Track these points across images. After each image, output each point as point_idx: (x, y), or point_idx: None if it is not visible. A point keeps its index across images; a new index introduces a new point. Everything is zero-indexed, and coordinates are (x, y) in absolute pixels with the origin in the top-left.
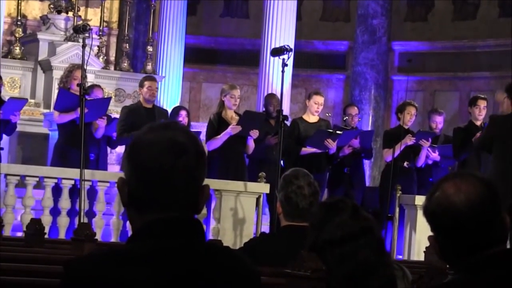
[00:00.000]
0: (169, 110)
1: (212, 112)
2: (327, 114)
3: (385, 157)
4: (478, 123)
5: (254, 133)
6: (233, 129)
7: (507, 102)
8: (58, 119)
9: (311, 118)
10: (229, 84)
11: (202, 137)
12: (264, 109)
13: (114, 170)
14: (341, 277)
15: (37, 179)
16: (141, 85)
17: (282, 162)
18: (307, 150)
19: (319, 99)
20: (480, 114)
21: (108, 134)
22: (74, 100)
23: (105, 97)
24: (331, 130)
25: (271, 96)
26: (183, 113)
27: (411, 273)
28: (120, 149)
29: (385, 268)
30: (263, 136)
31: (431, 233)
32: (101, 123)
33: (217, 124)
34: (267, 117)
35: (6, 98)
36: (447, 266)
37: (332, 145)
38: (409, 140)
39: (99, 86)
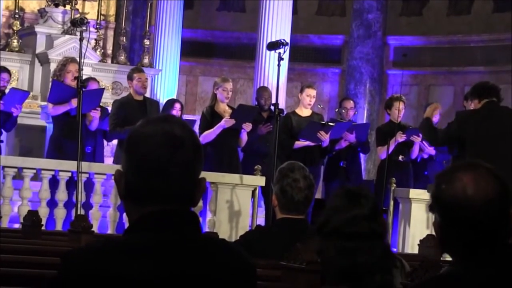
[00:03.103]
0: (163, 103)
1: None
2: (319, 106)
3: (379, 154)
4: None
5: (247, 126)
6: (226, 122)
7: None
8: (52, 111)
9: (304, 112)
10: (221, 77)
11: (196, 126)
12: (256, 102)
13: (111, 163)
14: (335, 269)
15: (34, 171)
16: (130, 78)
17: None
18: (301, 143)
19: (311, 91)
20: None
21: (103, 128)
22: (68, 92)
23: (99, 87)
24: (323, 122)
25: (262, 89)
26: (177, 106)
27: None
28: (116, 141)
29: (383, 275)
30: (254, 126)
31: (425, 227)
32: (95, 114)
33: (210, 117)
34: (259, 110)
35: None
36: (441, 258)
37: (324, 137)
38: (400, 138)
39: (94, 79)
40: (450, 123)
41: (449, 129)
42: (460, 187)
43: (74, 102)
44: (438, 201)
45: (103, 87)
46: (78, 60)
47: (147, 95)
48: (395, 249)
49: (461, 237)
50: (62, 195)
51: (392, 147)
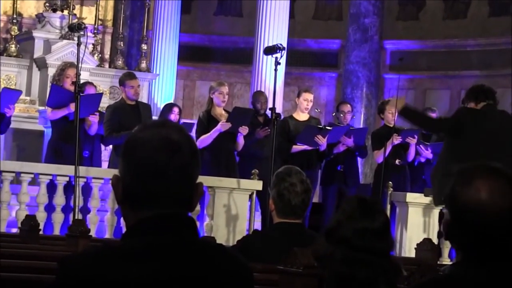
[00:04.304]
0: (161, 107)
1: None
2: (316, 110)
3: (376, 158)
4: None
5: (244, 130)
6: (223, 125)
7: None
8: (51, 115)
9: (301, 116)
10: (217, 81)
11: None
12: (252, 107)
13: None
14: (336, 275)
15: (32, 175)
16: (122, 84)
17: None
18: (298, 147)
19: (308, 96)
20: None
21: (101, 133)
22: (67, 96)
23: (97, 92)
24: (320, 126)
25: (258, 93)
26: (175, 110)
27: None
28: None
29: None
30: (252, 130)
31: (421, 231)
32: (94, 119)
33: (207, 122)
34: (255, 114)
35: None
36: (438, 262)
37: (322, 141)
38: (396, 140)
39: (91, 83)
40: (456, 116)
41: (448, 118)
42: (475, 194)
43: (72, 107)
44: (451, 201)
45: (101, 91)
46: None
47: (145, 99)
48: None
49: (466, 240)
50: (59, 199)
51: (388, 149)
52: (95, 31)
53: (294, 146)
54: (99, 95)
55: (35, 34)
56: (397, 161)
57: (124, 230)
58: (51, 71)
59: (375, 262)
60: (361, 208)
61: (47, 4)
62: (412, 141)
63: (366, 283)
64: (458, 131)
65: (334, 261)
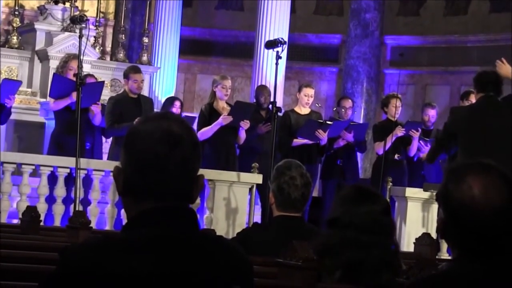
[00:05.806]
0: (163, 101)
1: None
2: (317, 105)
3: (377, 150)
4: None
5: (245, 124)
6: (224, 119)
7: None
8: (53, 106)
9: (303, 110)
10: (220, 74)
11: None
12: (255, 100)
13: None
14: (345, 261)
15: (33, 167)
16: (126, 77)
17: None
18: (299, 141)
19: (309, 91)
20: None
21: (102, 125)
22: (68, 85)
23: (98, 81)
24: (321, 121)
25: (262, 87)
26: (177, 103)
27: None
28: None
29: (390, 275)
30: (254, 124)
31: (420, 225)
32: (96, 109)
33: (209, 115)
34: (257, 108)
35: None
36: (437, 257)
37: (322, 135)
38: (399, 132)
39: (92, 76)
40: (446, 124)
41: (443, 130)
42: (468, 191)
43: (74, 96)
44: (445, 198)
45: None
46: None
47: (145, 92)
48: None
49: (462, 237)
50: (60, 191)
51: (390, 142)
52: (96, 24)
53: (295, 140)
54: (101, 84)
55: (37, 26)
56: (396, 156)
57: (124, 222)
58: (53, 63)
59: (383, 242)
60: (360, 194)
61: None
62: (415, 134)
63: (374, 266)
64: (456, 136)
65: (345, 246)
